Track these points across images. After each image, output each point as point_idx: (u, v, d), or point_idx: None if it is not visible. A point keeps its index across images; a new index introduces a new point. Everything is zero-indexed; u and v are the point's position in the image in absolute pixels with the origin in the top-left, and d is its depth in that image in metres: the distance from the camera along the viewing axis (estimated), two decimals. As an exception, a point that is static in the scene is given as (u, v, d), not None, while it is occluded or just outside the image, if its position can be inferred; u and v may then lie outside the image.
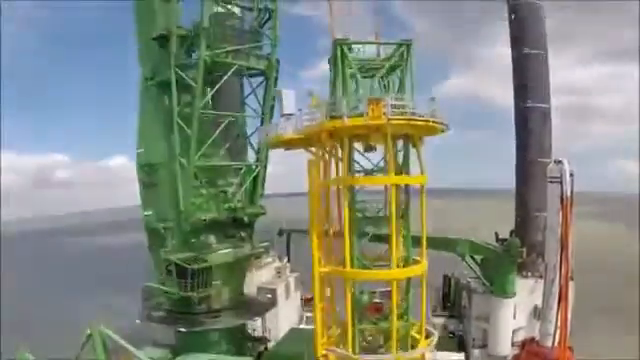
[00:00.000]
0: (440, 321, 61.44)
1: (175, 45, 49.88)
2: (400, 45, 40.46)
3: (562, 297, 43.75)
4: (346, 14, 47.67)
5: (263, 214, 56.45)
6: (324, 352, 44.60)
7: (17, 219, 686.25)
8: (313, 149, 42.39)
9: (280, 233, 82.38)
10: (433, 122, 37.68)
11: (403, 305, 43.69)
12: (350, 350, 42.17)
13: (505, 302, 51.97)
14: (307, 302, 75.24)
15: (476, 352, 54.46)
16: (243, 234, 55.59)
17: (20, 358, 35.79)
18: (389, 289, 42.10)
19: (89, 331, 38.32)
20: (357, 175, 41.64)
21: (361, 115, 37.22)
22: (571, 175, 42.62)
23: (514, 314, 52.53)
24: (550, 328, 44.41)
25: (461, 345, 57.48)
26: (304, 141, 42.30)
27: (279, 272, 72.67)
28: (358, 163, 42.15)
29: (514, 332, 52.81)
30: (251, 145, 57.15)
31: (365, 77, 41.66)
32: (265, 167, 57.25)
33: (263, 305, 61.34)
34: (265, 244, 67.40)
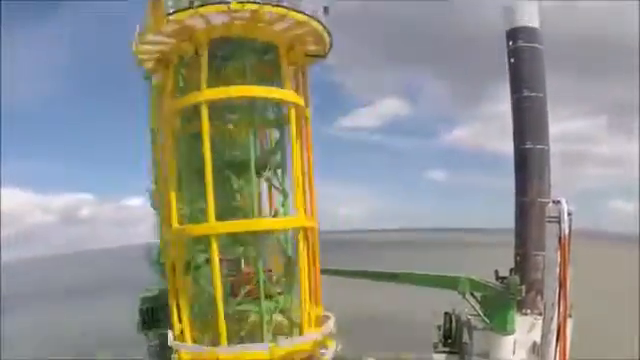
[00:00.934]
0: (442, 357, 61.83)
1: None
2: None
3: (560, 334, 44.60)
4: None
5: None
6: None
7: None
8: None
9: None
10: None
11: (283, 281, 40.52)
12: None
13: (505, 339, 52.51)
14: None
15: (478, 387, 54.42)
16: None
17: None
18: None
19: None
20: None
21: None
22: (569, 214, 43.66)
23: (514, 350, 52.89)
24: (549, 365, 45.05)
25: (462, 381, 57.41)
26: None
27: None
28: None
29: (514, 368, 53.11)
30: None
31: None
32: None
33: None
34: None
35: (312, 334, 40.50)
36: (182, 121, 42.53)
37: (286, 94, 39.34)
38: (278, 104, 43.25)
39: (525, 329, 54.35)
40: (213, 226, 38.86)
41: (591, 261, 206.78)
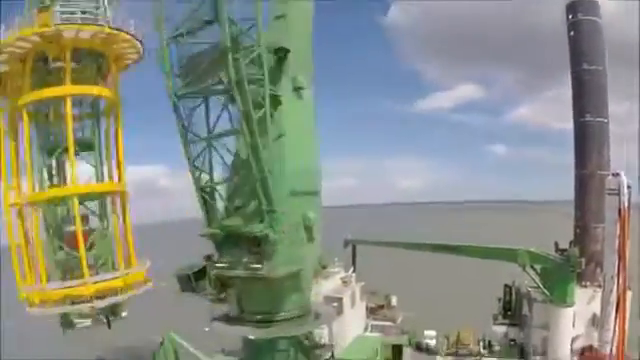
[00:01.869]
0: (502, 329, 62.59)
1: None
2: None
3: (619, 306, 44.86)
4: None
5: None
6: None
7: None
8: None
9: (345, 244, 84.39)
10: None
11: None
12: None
13: (564, 311, 53.12)
14: (373, 311, 77.05)
15: (537, 359, 55.34)
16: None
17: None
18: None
19: (161, 339, 39.84)
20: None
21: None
22: (629, 187, 43.74)
23: (573, 323, 53.51)
24: (608, 336, 45.62)
25: (522, 353, 58.54)
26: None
27: (345, 282, 74.31)
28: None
29: (573, 340, 53.70)
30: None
31: None
32: None
33: (330, 314, 62.69)
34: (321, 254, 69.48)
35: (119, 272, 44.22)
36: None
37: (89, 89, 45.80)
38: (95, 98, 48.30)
39: (584, 301, 54.76)
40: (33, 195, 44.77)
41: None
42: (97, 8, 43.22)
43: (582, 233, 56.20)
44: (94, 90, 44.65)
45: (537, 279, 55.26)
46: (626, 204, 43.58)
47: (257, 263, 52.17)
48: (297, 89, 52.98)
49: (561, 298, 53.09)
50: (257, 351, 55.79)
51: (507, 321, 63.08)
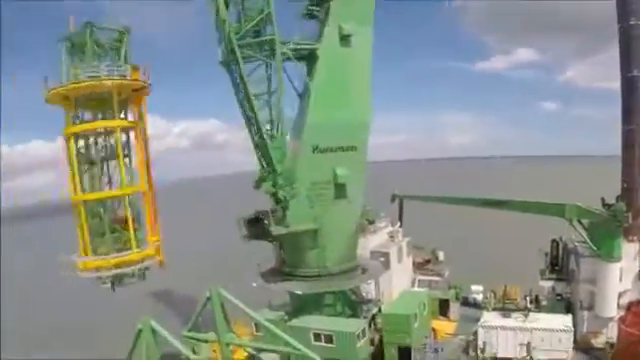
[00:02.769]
0: (549, 284, 62.86)
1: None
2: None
3: (666, 261, 44.87)
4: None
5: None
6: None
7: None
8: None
9: (393, 199, 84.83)
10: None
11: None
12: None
13: (611, 266, 53.09)
14: (419, 266, 77.73)
15: (583, 314, 55.75)
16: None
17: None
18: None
19: (208, 293, 40.63)
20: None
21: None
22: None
23: (620, 277, 53.54)
24: (655, 291, 45.60)
25: (569, 307, 58.86)
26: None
27: (392, 236, 75.17)
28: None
29: (620, 295, 54.03)
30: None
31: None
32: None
33: (376, 268, 63.58)
34: (369, 209, 70.12)
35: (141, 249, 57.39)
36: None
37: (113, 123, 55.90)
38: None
39: (631, 256, 54.74)
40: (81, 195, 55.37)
41: None
42: (119, 66, 54.98)
43: (629, 188, 55.91)
44: (115, 123, 55.61)
45: (584, 234, 55.20)
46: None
47: (275, 220, 53.88)
48: (344, 37, 53.52)
49: (608, 253, 53.04)
50: (303, 306, 57.14)
51: (554, 276, 63.21)
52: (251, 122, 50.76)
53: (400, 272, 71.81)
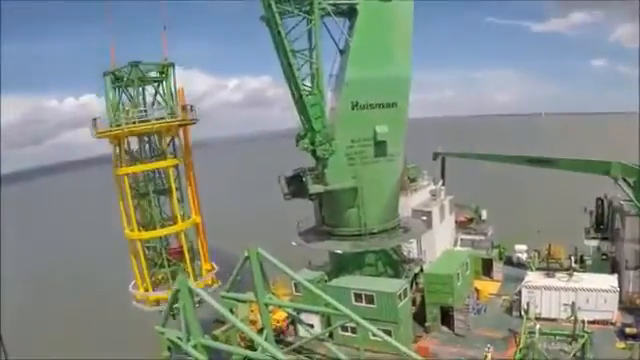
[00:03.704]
0: (593, 243, 61.85)
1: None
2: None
3: None
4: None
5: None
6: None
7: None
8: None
9: (435, 156, 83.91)
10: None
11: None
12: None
13: (657, 224, 51.82)
14: (462, 225, 77.17)
15: (629, 273, 54.70)
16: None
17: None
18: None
19: (246, 253, 40.44)
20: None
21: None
22: None
23: (666, 235, 52.38)
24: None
25: (614, 267, 57.93)
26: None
27: (434, 195, 74.77)
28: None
29: (666, 254, 52.74)
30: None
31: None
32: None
33: (418, 227, 63.42)
34: (410, 167, 69.53)
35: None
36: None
37: (165, 163, 57.64)
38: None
39: (678, 214, 53.34)
40: (137, 234, 57.59)
41: None
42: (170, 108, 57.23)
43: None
44: (167, 163, 57.50)
45: (629, 192, 53.99)
46: None
47: (314, 178, 53.66)
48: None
49: (654, 211, 51.81)
50: (344, 265, 57.33)
51: (599, 235, 62.15)
52: (290, 79, 50.36)
53: (442, 231, 71.49)
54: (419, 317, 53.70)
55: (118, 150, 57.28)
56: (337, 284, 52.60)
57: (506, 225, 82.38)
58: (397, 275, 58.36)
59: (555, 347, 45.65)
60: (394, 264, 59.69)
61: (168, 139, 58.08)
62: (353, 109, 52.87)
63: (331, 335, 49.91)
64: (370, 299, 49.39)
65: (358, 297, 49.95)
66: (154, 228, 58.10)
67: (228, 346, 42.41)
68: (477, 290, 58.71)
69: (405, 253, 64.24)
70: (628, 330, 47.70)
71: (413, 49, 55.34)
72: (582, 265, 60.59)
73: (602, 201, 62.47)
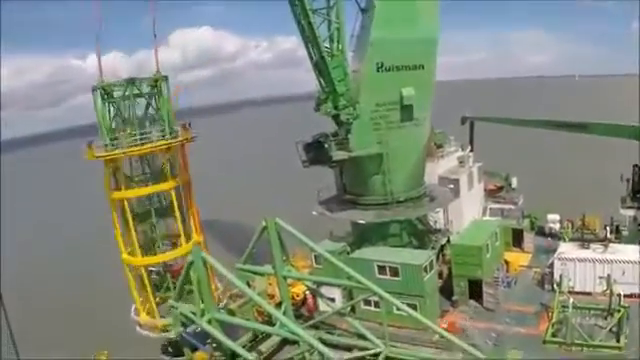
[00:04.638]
0: (630, 213, 60.65)
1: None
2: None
3: None
4: None
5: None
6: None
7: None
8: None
9: (463, 121, 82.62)
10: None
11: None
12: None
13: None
14: (491, 193, 76.07)
15: (667, 243, 53.28)
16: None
17: None
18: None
19: (263, 223, 39.88)
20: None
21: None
22: None
23: None
24: None
25: (652, 237, 56.40)
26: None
27: (462, 162, 73.52)
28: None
29: None
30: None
31: None
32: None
33: (445, 196, 62.44)
34: (437, 132, 68.41)
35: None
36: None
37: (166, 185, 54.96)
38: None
39: None
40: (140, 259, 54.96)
41: None
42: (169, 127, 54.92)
43: None
44: (167, 186, 55.23)
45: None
46: None
47: (337, 144, 52.76)
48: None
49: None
50: (367, 236, 56.28)
51: (636, 204, 60.90)
52: (309, 40, 49.19)
53: (470, 200, 70.63)
54: (446, 291, 52.79)
55: (112, 171, 54.88)
56: (360, 256, 51.86)
57: (538, 193, 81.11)
58: (423, 246, 57.48)
59: (589, 322, 44.63)
60: (420, 235, 58.85)
61: (167, 158, 56.76)
62: (378, 71, 51.46)
63: (353, 309, 49.12)
64: (394, 272, 48.57)
65: (382, 269, 49.11)
66: (154, 252, 56.90)
67: (245, 321, 42.18)
68: (507, 262, 57.36)
69: (431, 223, 63.37)
70: (667, 304, 46.58)
71: (441, 8, 54.15)
72: (618, 236, 59.12)
73: (639, 168, 61.10)
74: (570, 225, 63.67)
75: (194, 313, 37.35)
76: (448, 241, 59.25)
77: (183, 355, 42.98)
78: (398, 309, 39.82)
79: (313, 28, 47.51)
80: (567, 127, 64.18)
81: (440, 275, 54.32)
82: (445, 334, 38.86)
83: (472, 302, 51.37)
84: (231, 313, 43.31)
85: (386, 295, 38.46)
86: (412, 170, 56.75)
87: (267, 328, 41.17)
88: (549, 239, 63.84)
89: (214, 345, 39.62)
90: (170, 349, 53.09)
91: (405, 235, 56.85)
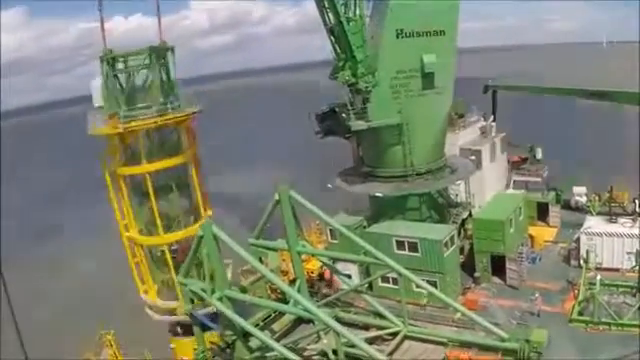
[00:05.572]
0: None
1: None
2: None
3: None
4: None
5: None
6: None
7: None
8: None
9: (485, 90, 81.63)
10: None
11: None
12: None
13: None
14: (515, 165, 75.30)
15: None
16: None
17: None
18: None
19: (276, 196, 39.64)
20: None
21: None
22: None
23: None
24: None
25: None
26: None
27: (484, 132, 72.79)
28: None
29: None
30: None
31: None
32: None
33: (467, 168, 61.63)
34: (459, 100, 67.58)
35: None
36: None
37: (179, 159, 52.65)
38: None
39: None
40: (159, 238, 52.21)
41: None
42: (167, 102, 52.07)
43: None
44: (174, 162, 52.64)
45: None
46: None
47: (355, 114, 52.23)
48: None
49: None
50: (385, 210, 55.84)
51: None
52: (324, 4, 48.56)
53: (493, 172, 69.85)
54: (467, 267, 52.79)
55: (119, 145, 52.83)
56: (377, 230, 51.59)
57: (564, 166, 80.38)
58: (443, 220, 56.99)
59: (617, 300, 44.03)
60: (440, 208, 58.31)
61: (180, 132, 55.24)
62: (398, 37, 50.71)
63: (370, 286, 49.26)
64: (413, 247, 48.35)
65: (400, 245, 48.97)
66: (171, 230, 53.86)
67: (257, 298, 41.95)
68: (531, 237, 57.13)
69: (452, 196, 62.77)
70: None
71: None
72: (647, 210, 58.75)
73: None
74: (597, 198, 63.08)
75: (204, 290, 37.05)
76: (470, 215, 58.92)
77: (192, 335, 42.86)
78: (417, 286, 39.50)
79: None
80: (589, 95, 63.19)
81: (461, 251, 54.03)
82: (467, 312, 38.55)
83: (495, 279, 51.06)
84: (243, 290, 43.01)
85: (405, 271, 38.13)
86: (433, 141, 56.09)
87: (281, 306, 40.87)
88: (575, 213, 63.27)
89: (225, 324, 39.42)
90: (180, 329, 53.03)
91: (425, 209, 56.29)
